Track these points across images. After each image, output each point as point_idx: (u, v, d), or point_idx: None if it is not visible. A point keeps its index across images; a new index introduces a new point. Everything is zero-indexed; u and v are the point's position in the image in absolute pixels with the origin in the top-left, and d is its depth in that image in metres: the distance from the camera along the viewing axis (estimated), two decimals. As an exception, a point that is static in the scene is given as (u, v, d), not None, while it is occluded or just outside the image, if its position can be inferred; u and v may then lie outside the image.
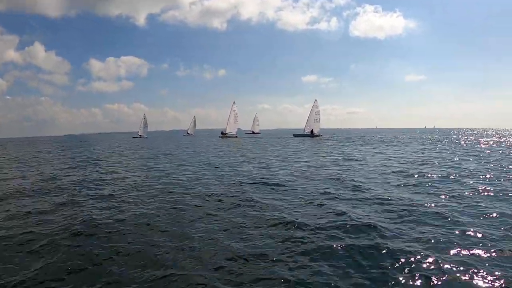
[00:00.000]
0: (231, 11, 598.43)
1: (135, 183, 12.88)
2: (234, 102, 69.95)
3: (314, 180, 12.90)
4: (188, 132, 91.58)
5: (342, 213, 7.68)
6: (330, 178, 13.09)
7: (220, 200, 9.52)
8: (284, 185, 11.70)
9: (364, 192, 10.35)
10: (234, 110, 68.70)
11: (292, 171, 15.47)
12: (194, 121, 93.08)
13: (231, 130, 68.47)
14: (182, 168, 17.75)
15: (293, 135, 68.89)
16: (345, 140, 51.25)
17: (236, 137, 68.29)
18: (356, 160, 20.64)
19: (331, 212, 7.87)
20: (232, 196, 9.98)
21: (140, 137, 78.31)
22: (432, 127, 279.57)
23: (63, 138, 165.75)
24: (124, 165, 20.42)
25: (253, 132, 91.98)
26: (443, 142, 43.27)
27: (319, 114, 62.22)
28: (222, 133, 68.69)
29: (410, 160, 20.15)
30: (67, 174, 16.40)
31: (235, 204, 9.00)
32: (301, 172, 15.07)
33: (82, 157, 28.50)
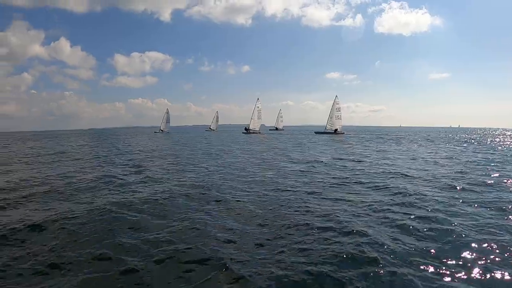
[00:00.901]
0: (255, 7, 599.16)
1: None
2: (258, 99, 71.79)
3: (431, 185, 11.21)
4: (211, 127, 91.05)
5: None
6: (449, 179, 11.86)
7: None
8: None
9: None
10: (258, 107, 70.55)
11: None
12: (217, 117, 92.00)
13: (254, 126, 69.99)
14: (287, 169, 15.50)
15: (315, 132, 68.51)
16: (377, 138, 49.49)
17: (260, 133, 69.37)
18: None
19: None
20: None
21: (161, 132, 78.60)
22: (457, 126, 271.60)
23: (87, 131, 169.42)
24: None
25: (277, 129, 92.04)
26: (484, 142, 40.91)
27: (340, 111, 61.11)
28: (245, 129, 70.72)
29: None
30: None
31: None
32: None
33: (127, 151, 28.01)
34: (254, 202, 8.98)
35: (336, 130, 60.42)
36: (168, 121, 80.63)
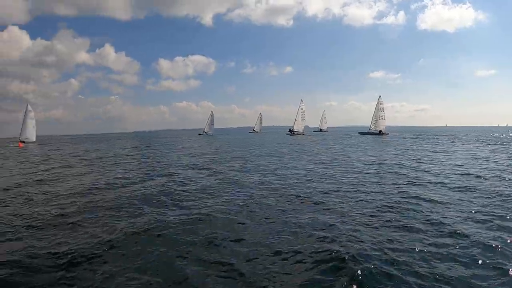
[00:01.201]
0: (296, 7, 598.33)
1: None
2: (301, 100, 73.28)
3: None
4: (255, 129, 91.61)
5: None
6: None
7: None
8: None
9: None
10: (302, 108, 72.18)
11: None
12: (260, 118, 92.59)
13: (298, 127, 71.46)
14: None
15: (359, 133, 67.53)
16: (429, 138, 47.38)
17: (304, 134, 70.08)
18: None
19: None
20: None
21: (205, 134, 79.25)
22: (505, 125, 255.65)
23: (132, 134, 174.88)
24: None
25: (321, 130, 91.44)
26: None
27: (383, 111, 59.96)
28: (290, 130, 71.82)
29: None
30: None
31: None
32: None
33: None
34: (351, 204, 8.70)
35: (380, 131, 59.22)
36: (212, 123, 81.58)
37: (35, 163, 22.46)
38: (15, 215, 8.25)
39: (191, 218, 7.44)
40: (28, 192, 11.10)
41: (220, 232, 6.43)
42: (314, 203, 8.80)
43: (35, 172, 16.91)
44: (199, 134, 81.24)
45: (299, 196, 9.63)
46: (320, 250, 5.44)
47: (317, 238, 6.01)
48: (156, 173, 15.23)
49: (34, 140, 54.90)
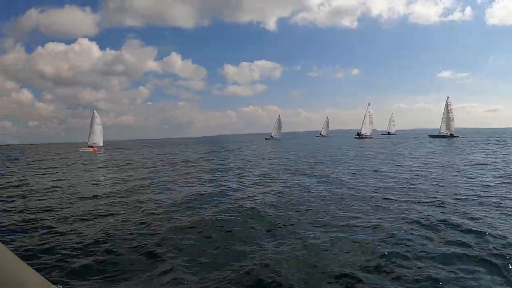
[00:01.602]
0: (360, 8, 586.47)
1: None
2: (369, 104, 72.80)
3: None
4: (322, 133, 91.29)
5: None
6: None
7: None
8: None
9: None
10: (369, 111, 71.48)
11: None
12: (327, 122, 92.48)
13: (366, 131, 70.78)
14: None
15: (429, 135, 65.29)
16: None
17: (371, 137, 69.48)
18: None
19: None
20: None
21: (272, 138, 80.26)
22: None
23: (200, 139, 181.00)
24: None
25: (389, 133, 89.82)
26: None
27: (452, 113, 58.41)
28: (358, 134, 71.04)
29: None
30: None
31: None
32: None
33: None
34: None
35: (451, 133, 57.65)
36: (279, 127, 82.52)
37: (128, 168, 23.55)
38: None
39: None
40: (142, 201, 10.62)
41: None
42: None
43: (132, 178, 16.63)
44: (266, 139, 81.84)
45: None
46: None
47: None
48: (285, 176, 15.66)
49: (101, 145, 55.39)
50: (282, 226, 7.07)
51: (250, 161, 25.26)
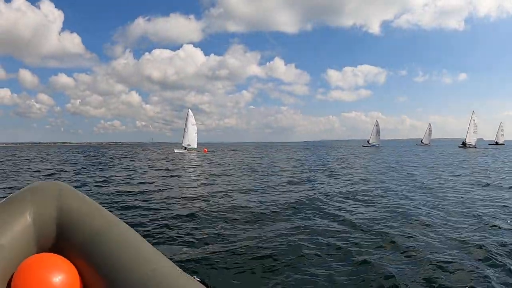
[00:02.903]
0: (467, 8, 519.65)
1: None
2: (473, 112, 69.32)
3: None
4: (423, 141, 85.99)
5: None
6: None
7: None
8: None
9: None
10: (474, 120, 68.05)
11: None
12: (430, 129, 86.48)
13: (470, 140, 67.42)
14: None
15: None
16: None
17: (476, 147, 64.94)
18: None
19: None
20: None
21: (369, 146, 76.63)
22: None
23: (304, 144, 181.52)
24: None
25: (497, 143, 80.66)
26: None
27: None
28: (463, 143, 67.35)
29: None
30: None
31: None
32: None
33: None
34: None
35: None
36: (378, 133, 78.84)
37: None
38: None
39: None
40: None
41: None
42: None
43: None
44: (363, 146, 78.56)
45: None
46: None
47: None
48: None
49: (195, 146, 52.05)
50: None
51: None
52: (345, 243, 5.37)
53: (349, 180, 14.31)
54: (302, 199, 9.27)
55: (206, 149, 53.91)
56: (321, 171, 18.31)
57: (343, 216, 7.21)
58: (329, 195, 10.07)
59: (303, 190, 11.19)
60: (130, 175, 16.78)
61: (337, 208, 8.27)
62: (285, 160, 30.03)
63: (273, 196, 10.16)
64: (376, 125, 79.19)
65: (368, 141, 79.14)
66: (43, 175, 17.40)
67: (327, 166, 21.79)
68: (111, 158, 36.89)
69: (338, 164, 24.14)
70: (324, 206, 8.37)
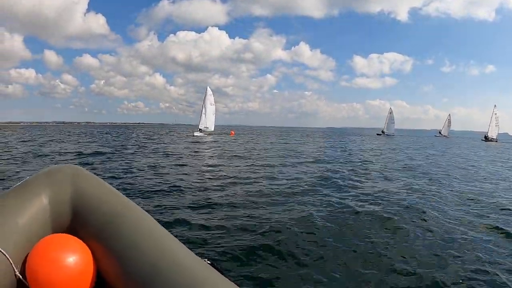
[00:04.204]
0: None
1: None
2: (495, 105, 69.22)
3: None
4: (441, 132, 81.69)
5: None
6: None
7: None
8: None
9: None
10: (495, 114, 67.66)
11: None
12: (449, 120, 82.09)
13: (492, 134, 67.07)
14: None
15: None
16: None
17: (497, 141, 65.28)
18: None
19: None
20: None
21: (383, 134, 73.64)
22: None
23: (327, 130, 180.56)
24: None
25: None
26: None
27: None
28: (485, 136, 67.65)
29: None
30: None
31: None
32: None
33: None
34: None
35: None
36: (392, 121, 75.25)
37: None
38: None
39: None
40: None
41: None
42: None
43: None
44: (378, 134, 76.01)
45: None
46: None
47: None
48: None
49: (213, 129, 48.00)
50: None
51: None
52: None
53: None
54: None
55: (233, 132, 51.91)
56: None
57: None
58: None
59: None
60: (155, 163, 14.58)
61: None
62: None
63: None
64: (390, 113, 75.43)
65: (382, 131, 75.54)
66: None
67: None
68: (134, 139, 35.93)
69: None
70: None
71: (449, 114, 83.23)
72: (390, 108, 77.45)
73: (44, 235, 1.06)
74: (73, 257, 1.00)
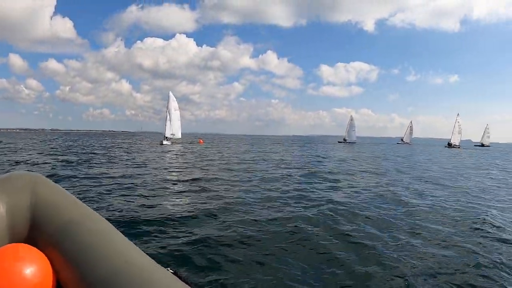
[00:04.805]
0: (462, 9, 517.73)
1: None
2: (458, 114, 73.72)
3: None
4: (403, 139, 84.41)
5: None
6: None
7: None
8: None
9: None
10: (458, 122, 72.18)
11: None
12: (411, 128, 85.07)
13: (455, 141, 71.50)
14: None
15: None
16: None
17: (459, 147, 69.54)
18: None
19: None
20: None
21: (345, 142, 74.49)
22: None
23: (292, 138, 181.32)
24: None
25: (483, 145, 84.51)
26: None
27: None
28: (448, 143, 71.80)
29: None
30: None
31: None
32: None
33: None
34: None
35: None
36: (353, 128, 76.01)
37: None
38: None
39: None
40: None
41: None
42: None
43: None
44: (339, 142, 76.60)
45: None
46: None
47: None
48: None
49: (180, 136, 46.06)
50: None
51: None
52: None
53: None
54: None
55: (202, 140, 49.70)
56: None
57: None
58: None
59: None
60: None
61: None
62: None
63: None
64: (351, 120, 76.22)
65: (344, 138, 76.21)
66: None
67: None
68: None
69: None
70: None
71: (411, 121, 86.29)
72: (351, 115, 77.96)
73: (1, 245, 1.01)
74: (31, 268, 0.95)
